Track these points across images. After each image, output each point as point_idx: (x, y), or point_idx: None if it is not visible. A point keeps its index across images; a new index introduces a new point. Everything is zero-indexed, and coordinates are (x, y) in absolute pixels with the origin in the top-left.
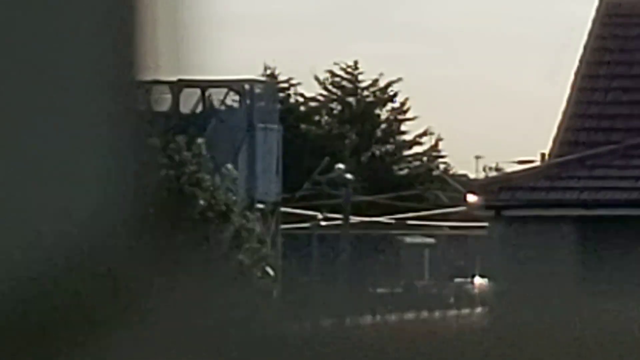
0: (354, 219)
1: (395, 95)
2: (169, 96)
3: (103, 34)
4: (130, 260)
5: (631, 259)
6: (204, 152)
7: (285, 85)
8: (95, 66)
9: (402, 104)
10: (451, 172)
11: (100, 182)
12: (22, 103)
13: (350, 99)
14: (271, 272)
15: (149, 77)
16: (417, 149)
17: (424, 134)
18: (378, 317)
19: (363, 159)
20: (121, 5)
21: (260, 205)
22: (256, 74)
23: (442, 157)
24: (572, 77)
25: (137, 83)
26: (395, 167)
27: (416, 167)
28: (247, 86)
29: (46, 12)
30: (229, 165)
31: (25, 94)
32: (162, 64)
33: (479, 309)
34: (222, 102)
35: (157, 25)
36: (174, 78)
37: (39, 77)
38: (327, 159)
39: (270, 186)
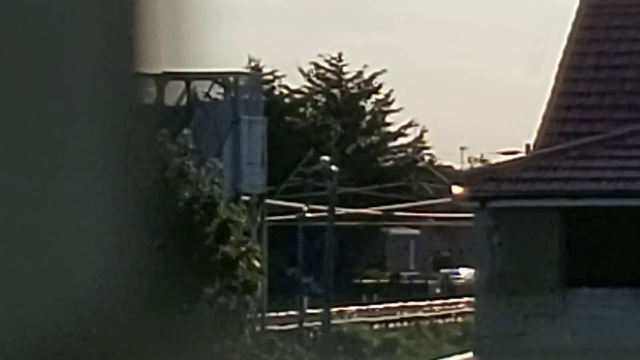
0: (340, 211)
1: (379, 87)
2: (153, 89)
3: (95, 25)
4: (118, 254)
5: (616, 249)
6: (190, 144)
7: (270, 77)
8: (87, 59)
9: (387, 95)
10: (436, 163)
11: (91, 175)
12: (12, 95)
13: (335, 91)
14: (257, 264)
15: (141, 70)
16: (402, 141)
17: (409, 125)
18: (364, 307)
19: (348, 150)
20: None
21: (246, 198)
22: (241, 66)
23: (427, 148)
24: (556, 68)
25: (130, 76)
26: (380, 159)
27: (401, 158)
28: (231, 79)
29: (38, 3)
30: (214, 158)
31: (15, 86)
32: (148, 57)
33: (464, 299)
34: (207, 94)
35: (148, 17)
36: (159, 70)
37: (30, 69)
38: (312, 150)
39: (255, 178)
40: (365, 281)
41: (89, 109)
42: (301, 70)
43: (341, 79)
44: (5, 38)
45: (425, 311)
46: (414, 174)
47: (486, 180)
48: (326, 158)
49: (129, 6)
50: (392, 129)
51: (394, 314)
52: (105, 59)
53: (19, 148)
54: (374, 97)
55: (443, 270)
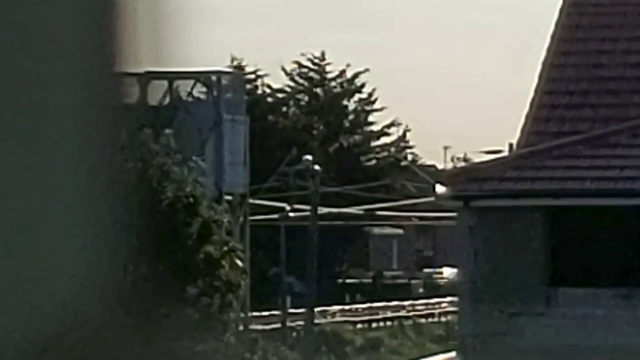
0: (322, 210)
1: (362, 86)
2: (136, 88)
3: (79, 25)
4: (101, 254)
5: (599, 249)
6: (172, 144)
7: (253, 76)
8: (70, 58)
9: (370, 94)
10: (419, 162)
11: (73, 175)
12: None
13: (318, 90)
14: (240, 264)
15: (124, 70)
16: (385, 140)
17: (392, 124)
18: (347, 307)
19: (331, 150)
20: None
21: (228, 197)
22: (223, 65)
23: (410, 147)
24: (539, 67)
25: (111, 75)
26: (363, 158)
27: (384, 157)
28: (214, 78)
29: (21, 3)
30: (197, 157)
31: None
32: (131, 56)
33: (447, 299)
34: (189, 94)
35: (130, 17)
36: (141, 70)
37: (12, 69)
38: (294, 150)
39: (238, 178)
40: (348, 281)
41: (71, 108)
42: (284, 70)
43: (324, 78)
44: None
45: (409, 311)
46: (397, 173)
47: (469, 179)
48: (309, 157)
49: (110, 6)
50: (375, 128)
51: (377, 314)
52: (87, 58)
53: (4, 146)
54: (356, 97)
55: (426, 270)
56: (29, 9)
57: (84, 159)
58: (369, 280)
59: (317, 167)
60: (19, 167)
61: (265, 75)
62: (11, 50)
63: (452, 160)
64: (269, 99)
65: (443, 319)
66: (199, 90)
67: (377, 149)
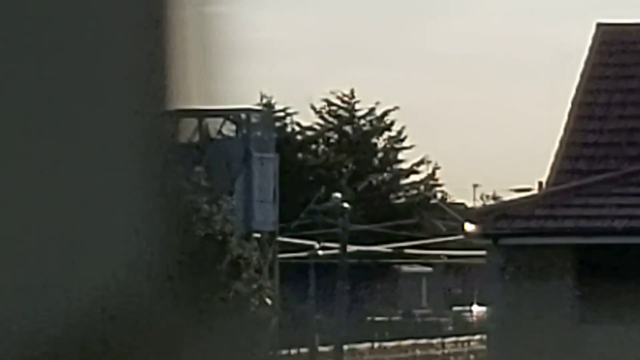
0: (351, 248)
1: (392, 123)
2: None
3: (131, 63)
4: (135, 290)
5: (628, 287)
6: (202, 181)
7: (282, 114)
8: (124, 96)
9: (399, 132)
10: (448, 200)
11: (118, 210)
12: (44, 125)
13: (347, 128)
14: (268, 302)
15: (174, 107)
16: (414, 178)
17: (421, 162)
18: (376, 345)
19: (360, 188)
20: (146, 36)
21: (257, 235)
22: (253, 103)
23: (439, 185)
24: (569, 105)
25: (163, 113)
26: (392, 196)
27: (413, 195)
28: (243, 115)
29: (74, 35)
30: (226, 195)
31: (47, 117)
32: (182, 93)
33: (477, 337)
34: (219, 131)
35: (178, 54)
36: (174, 107)
37: (64, 106)
38: (323, 188)
39: (267, 215)
40: (377, 319)
41: (124, 145)
42: (313, 107)
43: (353, 116)
44: (37, 73)
45: (438, 349)
46: (426, 211)
47: (499, 217)
48: (338, 195)
49: (161, 43)
50: (404, 166)
51: (406, 352)
52: (139, 95)
53: (52, 178)
54: (386, 134)
55: (455, 308)
56: (79, 44)
57: (140, 203)
58: (398, 318)
59: (346, 205)
60: (62, 197)
61: (295, 113)
62: (63, 86)
63: (482, 198)
64: (298, 137)
65: (472, 357)
66: (229, 128)
67: (406, 187)
